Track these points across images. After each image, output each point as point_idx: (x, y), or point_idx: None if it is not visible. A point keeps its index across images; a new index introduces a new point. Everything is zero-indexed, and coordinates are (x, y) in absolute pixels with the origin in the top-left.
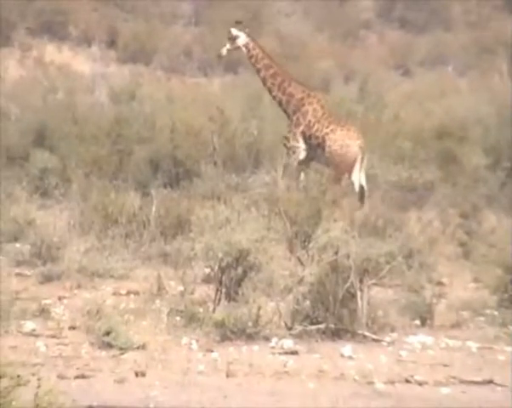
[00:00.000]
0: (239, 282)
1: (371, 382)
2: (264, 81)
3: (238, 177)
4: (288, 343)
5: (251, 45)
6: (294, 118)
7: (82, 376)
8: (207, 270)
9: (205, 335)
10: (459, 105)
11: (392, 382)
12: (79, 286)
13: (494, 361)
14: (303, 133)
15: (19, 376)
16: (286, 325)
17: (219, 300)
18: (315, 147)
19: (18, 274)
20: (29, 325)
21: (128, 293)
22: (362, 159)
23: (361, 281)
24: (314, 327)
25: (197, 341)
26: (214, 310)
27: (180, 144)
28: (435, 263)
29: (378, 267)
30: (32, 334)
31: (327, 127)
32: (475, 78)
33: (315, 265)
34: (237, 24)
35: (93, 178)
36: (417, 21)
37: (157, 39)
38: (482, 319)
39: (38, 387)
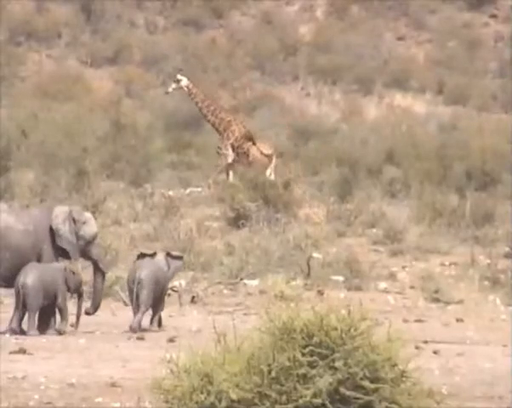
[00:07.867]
0: None
1: None
2: (200, 110)
3: None
4: None
5: (190, 86)
6: (225, 134)
7: (419, 321)
8: (507, 249)
9: (505, 294)
10: None
11: None
12: (416, 259)
13: None
14: (232, 145)
15: (376, 319)
16: None
17: None
18: (242, 155)
19: (374, 250)
20: (382, 285)
21: (450, 264)
22: (273, 161)
23: None
24: None
25: (500, 298)
26: None
27: (488, 161)
28: None
29: None
30: (384, 291)
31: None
32: None
33: None
34: (180, 71)
35: (425, 185)
36: None
37: None
38: None
39: (389, 327)
